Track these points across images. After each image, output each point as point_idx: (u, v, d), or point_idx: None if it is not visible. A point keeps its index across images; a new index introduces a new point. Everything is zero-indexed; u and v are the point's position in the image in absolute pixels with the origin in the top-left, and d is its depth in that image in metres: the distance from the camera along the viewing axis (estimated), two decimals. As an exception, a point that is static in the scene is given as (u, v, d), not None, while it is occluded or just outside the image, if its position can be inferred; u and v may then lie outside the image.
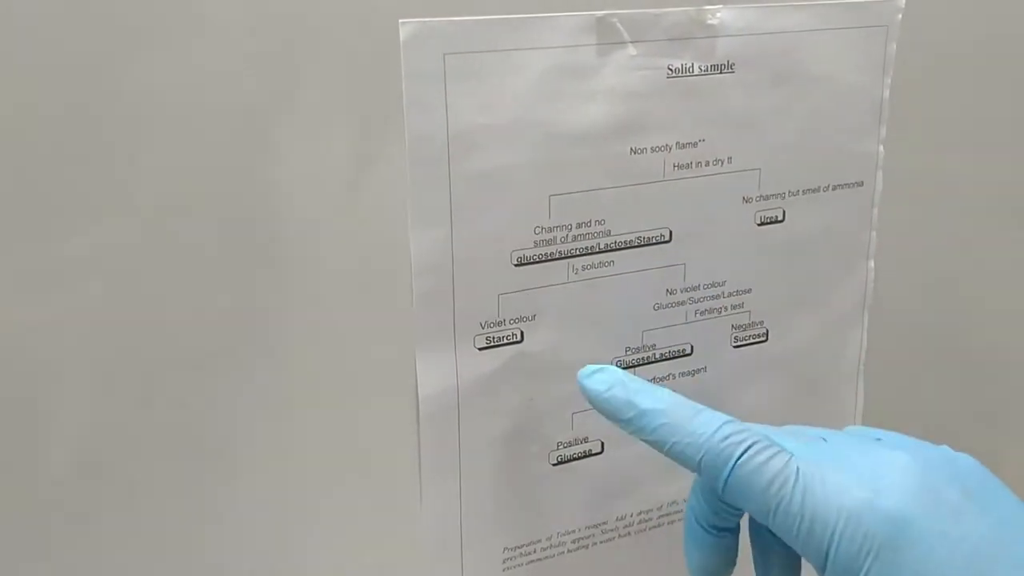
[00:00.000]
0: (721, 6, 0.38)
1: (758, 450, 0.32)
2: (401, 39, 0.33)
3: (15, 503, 0.39)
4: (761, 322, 0.43)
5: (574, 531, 0.42)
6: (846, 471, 0.31)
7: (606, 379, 0.35)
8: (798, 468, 0.32)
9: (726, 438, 0.32)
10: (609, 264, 0.39)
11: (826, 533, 0.31)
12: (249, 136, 0.38)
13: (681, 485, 0.43)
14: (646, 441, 0.34)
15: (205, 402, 0.41)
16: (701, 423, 0.33)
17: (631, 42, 0.37)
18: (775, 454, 0.32)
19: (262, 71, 0.38)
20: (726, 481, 0.32)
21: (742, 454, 0.32)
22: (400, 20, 0.33)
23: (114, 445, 0.40)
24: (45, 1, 0.35)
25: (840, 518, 0.31)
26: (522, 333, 0.38)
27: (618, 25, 0.36)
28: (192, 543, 0.43)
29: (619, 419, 0.34)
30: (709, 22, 0.38)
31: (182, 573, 0.43)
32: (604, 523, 0.42)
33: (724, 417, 0.33)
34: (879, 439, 0.34)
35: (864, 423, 0.46)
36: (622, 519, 0.43)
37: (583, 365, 0.39)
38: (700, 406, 0.34)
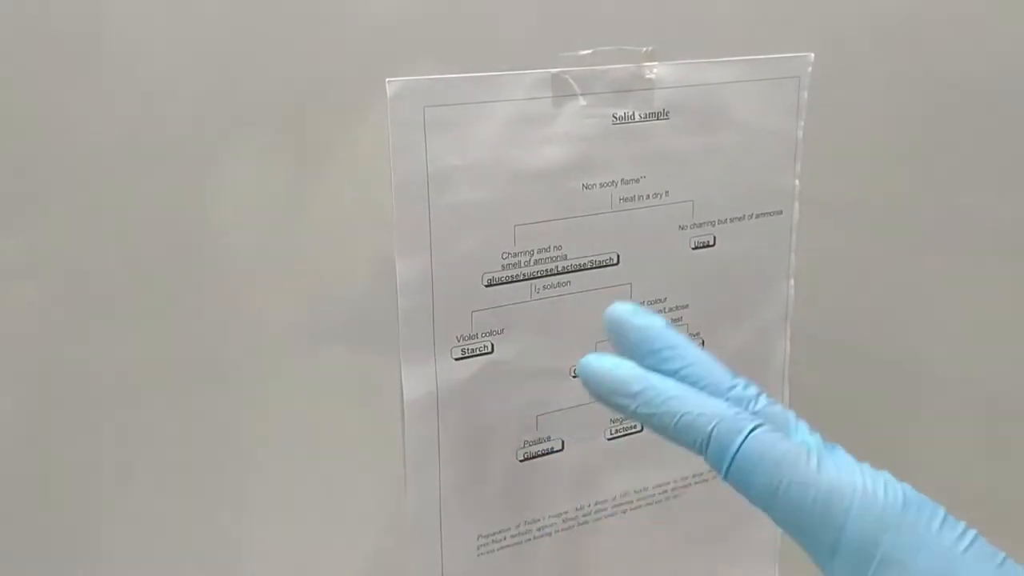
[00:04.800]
0: (657, 63, 0.43)
1: (769, 428, 0.32)
2: (388, 95, 0.38)
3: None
4: (698, 333, 0.48)
5: (539, 520, 0.46)
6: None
7: (612, 359, 0.35)
8: (811, 445, 0.32)
9: (737, 414, 0.32)
10: (566, 284, 0.44)
11: (842, 505, 0.30)
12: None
13: (630, 479, 0.48)
14: (648, 419, 0.33)
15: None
16: (711, 400, 0.33)
17: (581, 94, 0.42)
18: (785, 436, 0.32)
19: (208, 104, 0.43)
20: (735, 455, 0.31)
21: (754, 428, 0.32)
22: (387, 79, 0.38)
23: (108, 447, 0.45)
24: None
25: (857, 491, 0.30)
26: (493, 345, 0.42)
27: (570, 80, 0.42)
28: (193, 532, 0.47)
29: (626, 393, 0.33)
30: (647, 76, 0.43)
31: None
32: (565, 512, 0.46)
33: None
34: None
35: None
36: (580, 508, 0.47)
37: (546, 372, 0.43)
38: (704, 394, 0.33)
